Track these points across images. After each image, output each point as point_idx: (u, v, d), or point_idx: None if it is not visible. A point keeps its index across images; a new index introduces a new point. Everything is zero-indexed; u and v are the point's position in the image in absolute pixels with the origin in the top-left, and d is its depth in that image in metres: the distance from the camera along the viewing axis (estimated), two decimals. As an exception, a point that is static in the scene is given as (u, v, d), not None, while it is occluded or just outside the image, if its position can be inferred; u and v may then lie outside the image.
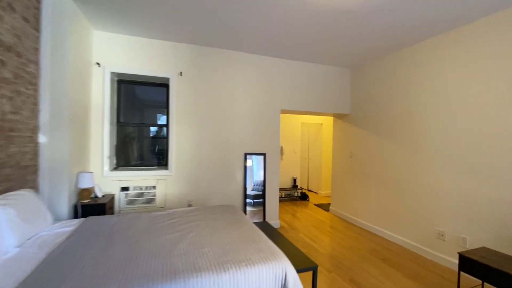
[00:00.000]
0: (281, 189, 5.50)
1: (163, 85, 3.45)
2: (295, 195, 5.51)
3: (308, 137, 6.76)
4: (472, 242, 2.44)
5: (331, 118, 6.03)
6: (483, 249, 2.02)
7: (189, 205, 3.30)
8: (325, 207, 4.94)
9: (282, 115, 5.55)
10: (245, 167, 3.58)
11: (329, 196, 5.62)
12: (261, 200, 3.68)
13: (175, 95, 3.24)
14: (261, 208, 3.67)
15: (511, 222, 2.17)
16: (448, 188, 2.67)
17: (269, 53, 3.56)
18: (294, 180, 5.71)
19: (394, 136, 3.34)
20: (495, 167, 2.29)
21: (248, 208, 3.63)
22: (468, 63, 2.52)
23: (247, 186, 3.62)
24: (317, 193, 6.26)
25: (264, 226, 2.72)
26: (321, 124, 6.08)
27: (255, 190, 3.69)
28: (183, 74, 3.27)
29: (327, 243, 3.21)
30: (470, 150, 2.48)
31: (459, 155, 2.58)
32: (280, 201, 5.39)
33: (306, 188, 6.76)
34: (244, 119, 3.58)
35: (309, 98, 3.96)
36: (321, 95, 4.03)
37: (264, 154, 3.69)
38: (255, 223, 3.38)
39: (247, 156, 3.60)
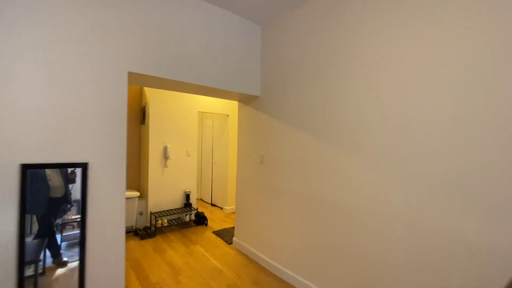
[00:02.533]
0: (163, 213, 3.55)
1: None
2: (187, 219, 3.67)
3: (211, 133, 5.05)
4: (477, 335, 1.25)
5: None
6: None
7: None
8: (227, 236, 3.32)
9: (158, 94, 3.60)
10: (21, 194, 1.47)
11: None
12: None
13: None
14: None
15: None
16: (408, 217, 1.44)
17: None
18: (187, 197, 3.87)
19: (325, 133, 1.99)
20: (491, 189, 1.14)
21: None
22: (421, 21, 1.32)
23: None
24: (222, 208, 4.63)
25: None
26: (227, 115, 4.47)
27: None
28: None
29: None
30: (440, 158, 1.29)
31: (421, 165, 1.37)
32: (161, 231, 3.44)
33: (210, 202, 5.04)
34: (27, 86, 1.47)
35: (195, 62, 2.20)
36: (217, 60, 2.34)
37: (84, 165, 1.68)
38: None
39: (36, 172, 1.51)
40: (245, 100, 2.92)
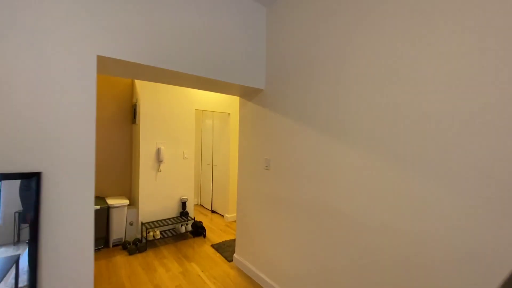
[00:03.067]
0: (156, 223, 3.16)
1: None
2: (183, 230, 3.27)
3: (211, 133, 4.66)
4: None
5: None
6: None
7: None
8: (228, 251, 2.91)
9: (150, 89, 3.22)
10: None
11: (238, 225, 3.69)
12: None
13: None
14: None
15: None
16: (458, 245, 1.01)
17: None
18: (183, 204, 3.48)
19: (342, 134, 1.56)
20: None
21: None
22: None
23: None
24: (223, 216, 4.23)
25: None
26: (229, 113, 4.07)
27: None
28: None
29: None
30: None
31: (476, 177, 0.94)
32: (153, 244, 3.04)
33: (210, 209, 4.64)
34: None
35: (186, 47, 1.80)
36: (213, 45, 1.94)
37: (37, 176, 1.29)
38: None
39: None
40: (247, 94, 2.51)
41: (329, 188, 1.67)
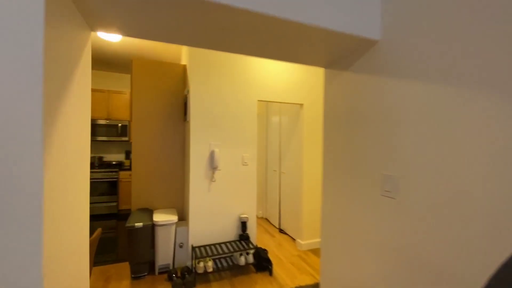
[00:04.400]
0: (208, 250, 2.42)
1: None
2: (242, 262, 2.44)
3: (278, 131, 3.73)
4: None
5: (320, 91, 3.06)
6: None
7: None
8: (306, 309, 1.90)
9: (202, 76, 2.50)
10: None
11: (318, 251, 2.69)
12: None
13: None
14: None
15: None
16: None
17: None
18: (243, 225, 2.65)
19: None
20: None
21: None
22: None
23: None
24: (295, 240, 3.23)
25: None
26: (301, 105, 3.05)
27: None
28: None
29: None
30: None
31: None
32: (203, 279, 2.31)
33: (277, 226, 3.72)
34: None
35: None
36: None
37: None
38: None
39: None
40: (342, 58, 1.45)
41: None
